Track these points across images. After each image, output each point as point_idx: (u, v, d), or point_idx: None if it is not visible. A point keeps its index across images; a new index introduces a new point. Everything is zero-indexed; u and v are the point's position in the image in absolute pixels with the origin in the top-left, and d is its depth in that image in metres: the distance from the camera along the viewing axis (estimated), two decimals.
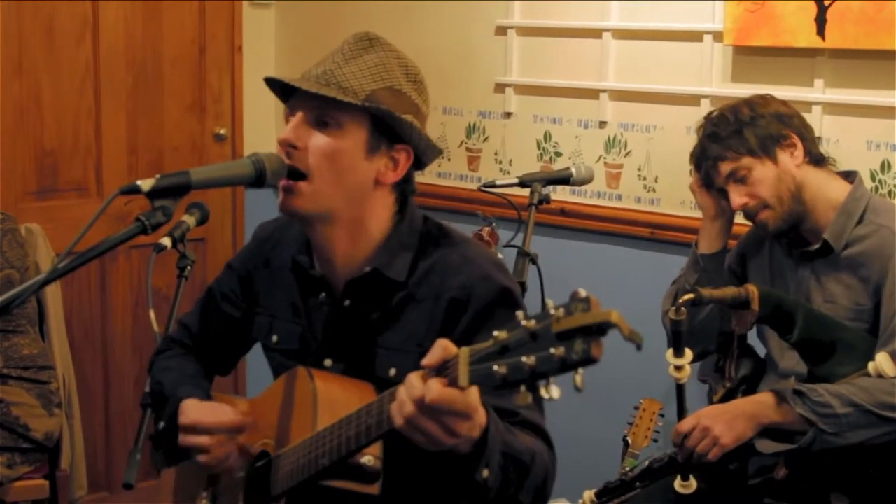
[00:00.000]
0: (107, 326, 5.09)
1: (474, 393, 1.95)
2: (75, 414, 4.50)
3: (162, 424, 2.59)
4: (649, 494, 3.41)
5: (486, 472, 2.09)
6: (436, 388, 1.92)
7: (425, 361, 1.96)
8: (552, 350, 1.70)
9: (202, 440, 2.46)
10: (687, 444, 3.13)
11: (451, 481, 2.13)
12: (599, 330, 1.67)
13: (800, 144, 3.26)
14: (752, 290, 3.10)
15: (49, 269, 2.17)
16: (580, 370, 1.70)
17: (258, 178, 2.34)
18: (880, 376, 3.00)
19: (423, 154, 2.47)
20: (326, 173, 2.37)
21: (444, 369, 1.92)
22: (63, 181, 4.92)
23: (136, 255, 5.08)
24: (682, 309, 3.00)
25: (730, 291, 3.12)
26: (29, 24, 4.75)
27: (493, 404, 2.17)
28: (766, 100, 3.33)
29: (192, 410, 2.50)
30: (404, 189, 2.49)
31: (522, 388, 1.78)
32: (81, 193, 4.96)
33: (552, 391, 1.73)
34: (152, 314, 2.36)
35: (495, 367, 1.78)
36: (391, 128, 2.39)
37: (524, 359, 1.74)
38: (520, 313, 1.79)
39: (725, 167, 3.26)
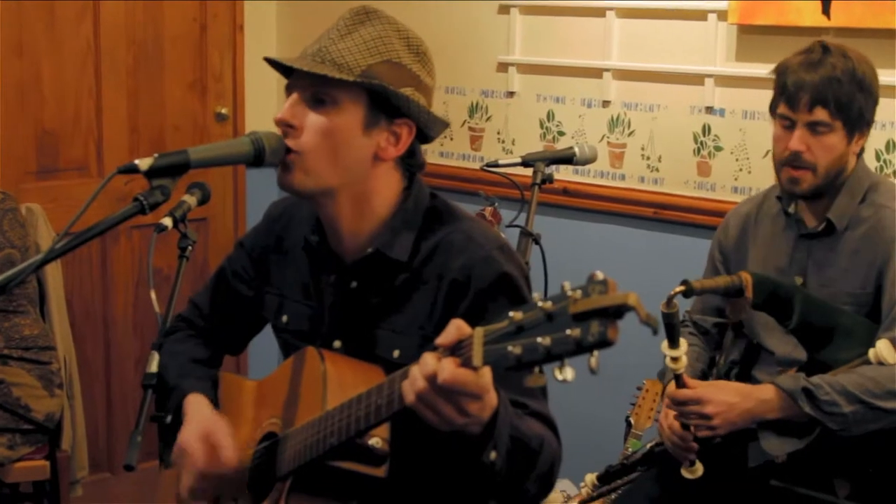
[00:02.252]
0: (108, 307, 5.08)
1: (487, 374, 1.93)
2: (76, 394, 4.50)
3: (169, 418, 2.57)
4: (652, 478, 3.40)
5: (493, 454, 2.08)
6: (449, 368, 1.90)
7: (439, 341, 1.94)
8: (568, 331, 1.69)
9: (190, 471, 2.43)
10: (681, 409, 3.11)
11: (459, 462, 2.12)
12: (616, 312, 1.65)
13: (867, 135, 3.21)
14: (746, 277, 3.07)
15: (47, 249, 2.15)
16: (595, 352, 1.68)
17: (257, 157, 2.32)
18: (881, 363, 2.99)
19: (427, 127, 2.43)
20: (323, 150, 2.35)
21: (457, 349, 1.91)
22: (64, 161, 4.90)
23: (138, 236, 5.07)
24: (674, 302, 2.97)
25: (722, 280, 3.10)
26: (29, 4, 4.73)
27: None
28: (874, 69, 3.19)
29: (194, 430, 2.46)
30: (410, 164, 2.46)
31: (536, 369, 1.77)
32: (82, 173, 4.94)
33: (566, 373, 1.72)
34: (153, 295, 2.33)
35: (510, 348, 1.77)
36: (389, 102, 2.36)
37: (539, 339, 1.72)
38: (536, 294, 1.78)
39: (818, 113, 3.11)
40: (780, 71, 3.20)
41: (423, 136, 2.46)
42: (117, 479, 5.07)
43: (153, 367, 2.31)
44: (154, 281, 2.31)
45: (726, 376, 3.34)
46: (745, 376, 3.32)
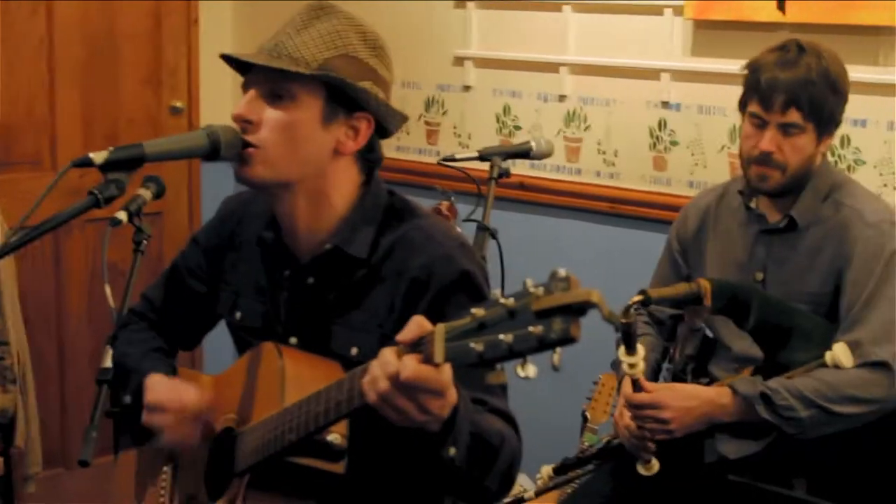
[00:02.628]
0: (62, 301, 5.05)
1: (448, 371, 1.92)
2: (30, 390, 4.46)
3: (128, 399, 2.56)
4: (607, 473, 3.41)
5: (452, 450, 2.07)
6: (411, 365, 1.90)
7: (400, 337, 1.94)
8: (530, 328, 1.68)
9: (166, 419, 2.43)
10: (637, 413, 3.12)
11: (418, 458, 2.11)
12: (579, 309, 1.65)
13: (833, 136, 3.22)
14: (705, 284, 3.07)
15: (0, 244, 2.14)
16: (558, 349, 1.68)
17: (213, 151, 2.32)
18: (837, 367, 2.99)
19: (385, 121, 2.43)
20: (281, 145, 2.34)
21: (418, 346, 1.91)
22: (17, 155, 4.86)
23: (92, 230, 5.03)
24: (631, 312, 2.96)
25: (681, 289, 3.10)
26: None
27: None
28: (845, 69, 3.18)
29: (158, 389, 2.48)
30: (368, 159, 2.45)
31: (498, 366, 1.77)
32: (35, 167, 4.90)
33: (528, 370, 1.72)
34: (108, 289, 2.32)
35: (472, 345, 1.76)
36: (348, 96, 2.35)
37: (502, 336, 1.72)
38: (497, 291, 1.78)
39: (792, 115, 3.09)
40: (754, 68, 3.18)
41: (382, 131, 2.46)
42: (71, 474, 5.03)
43: (107, 362, 2.30)
44: (109, 275, 2.30)
45: (682, 371, 3.34)
46: (702, 371, 3.33)
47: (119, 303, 2.35)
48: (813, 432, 3.04)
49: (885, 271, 3.09)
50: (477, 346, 1.75)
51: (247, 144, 2.34)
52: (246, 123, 2.35)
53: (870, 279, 3.08)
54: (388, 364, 1.93)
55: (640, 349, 2.97)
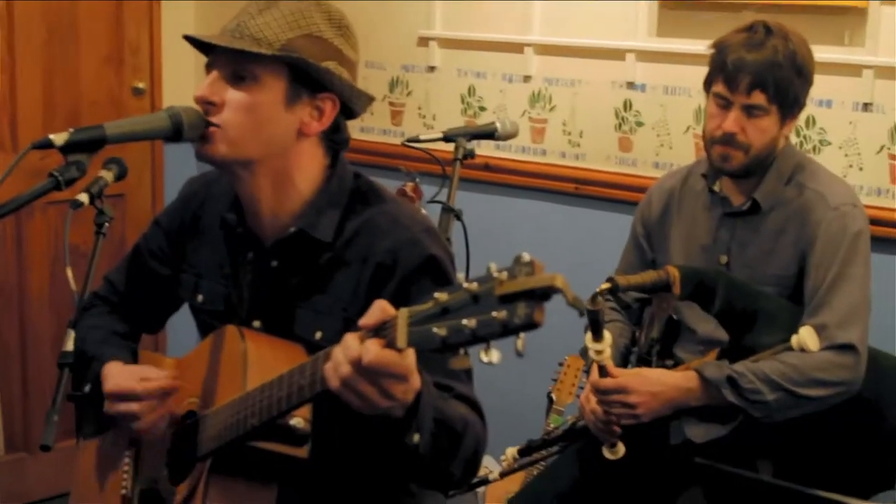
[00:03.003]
0: (23, 284, 5.01)
1: (411, 355, 1.92)
2: None
3: (88, 387, 2.54)
4: (573, 455, 3.40)
5: (416, 437, 2.06)
6: (374, 350, 1.88)
7: (363, 322, 1.92)
8: (494, 313, 1.67)
9: (132, 407, 2.41)
10: (603, 398, 3.11)
11: (381, 446, 2.10)
12: (543, 295, 1.64)
13: (797, 119, 3.22)
14: (673, 272, 3.07)
15: None
16: (522, 335, 1.67)
17: (175, 132, 2.30)
18: (803, 350, 3.00)
19: (351, 101, 2.40)
20: (244, 125, 2.32)
21: (381, 330, 1.89)
22: None
23: (53, 212, 4.99)
24: (599, 299, 2.95)
25: (649, 276, 3.09)
26: None
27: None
28: (811, 51, 3.17)
29: (118, 376, 2.45)
30: (334, 140, 2.43)
31: (461, 351, 1.76)
32: None
33: (492, 355, 1.71)
34: (69, 272, 2.30)
35: (435, 329, 1.75)
36: (311, 76, 2.33)
37: (465, 321, 1.71)
38: (461, 276, 1.77)
39: (756, 97, 3.08)
40: (720, 48, 3.17)
41: (348, 112, 2.43)
42: (34, 458, 5.00)
43: (69, 345, 2.28)
44: (71, 258, 2.29)
45: (647, 353, 3.34)
46: (667, 353, 3.33)
47: (81, 286, 2.33)
48: (779, 415, 3.04)
49: (847, 254, 3.09)
50: (440, 331, 1.74)
51: (209, 125, 2.31)
52: (208, 105, 2.32)
53: (833, 262, 3.08)
54: (350, 349, 1.92)
55: (607, 335, 2.96)
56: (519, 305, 1.65)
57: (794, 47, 3.10)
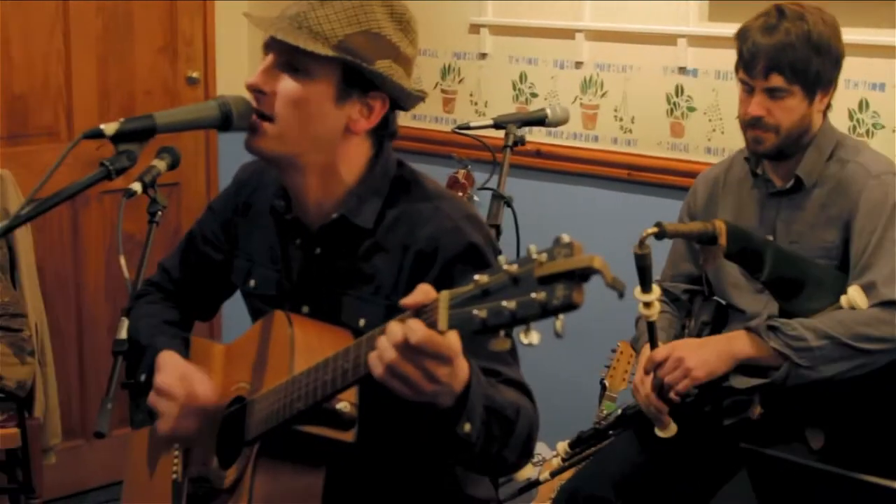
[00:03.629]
0: (79, 273, 5.05)
1: (455, 337, 1.91)
2: (48, 362, 4.48)
3: (143, 376, 2.55)
4: (625, 439, 3.41)
5: (467, 426, 2.06)
6: (419, 329, 1.89)
7: (405, 301, 1.93)
8: (533, 295, 1.68)
9: (170, 408, 2.41)
10: (658, 373, 3.13)
11: (433, 436, 2.10)
12: (582, 275, 1.64)
13: (832, 93, 3.23)
14: (720, 225, 3.07)
15: (12, 215, 2.14)
16: (561, 316, 1.67)
17: (224, 121, 2.31)
18: (853, 309, 3.01)
19: (402, 101, 2.40)
20: (293, 119, 2.32)
21: (422, 313, 1.90)
22: (33, 126, 4.86)
23: (109, 201, 5.03)
24: (646, 244, 2.97)
25: (696, 226, 3.10)
26: None
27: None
28: (835, 28, 3.20)
29: (169, 372, 2.46)
30: (381, 135, 2.43)
31: (502, 332, 1.76)
32: (52, 138, 4.89)
33: (532, 337, 1.71)
34: (122, 260, 2.32)
35: (475, 311, 1.76)
36: (364, 76, 2.33)
37: (504, 303, 1.71)
38: (502, 258, 1.77)
39: (774, 80, 3.14)
40: (740, 35, 3.23)
41: (398, 106, 2.43)
42: (91, 445, 5.05)
43: (123, 333, 2.30)
44: (126, 247, 2.31)
45: (698, 336, 3.34)
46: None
47: (135, 274, 2.35)
48: (825, 368, 3.04)
49: (890, 219, 3.12)
50: (480, 312, 1.75)
51: (259, 114, 2.33)
52: (259, 94, 2.33)
53: (877, 227, 3.11)
54: (394, 333, 1.93)
55: (656, 288, 2.98)
56: (558, 287, 1.66)
57: (810, 26, 3.13)
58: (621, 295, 1.67)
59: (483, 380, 2.12)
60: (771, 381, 3.08)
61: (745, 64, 3.18)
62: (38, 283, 4.53)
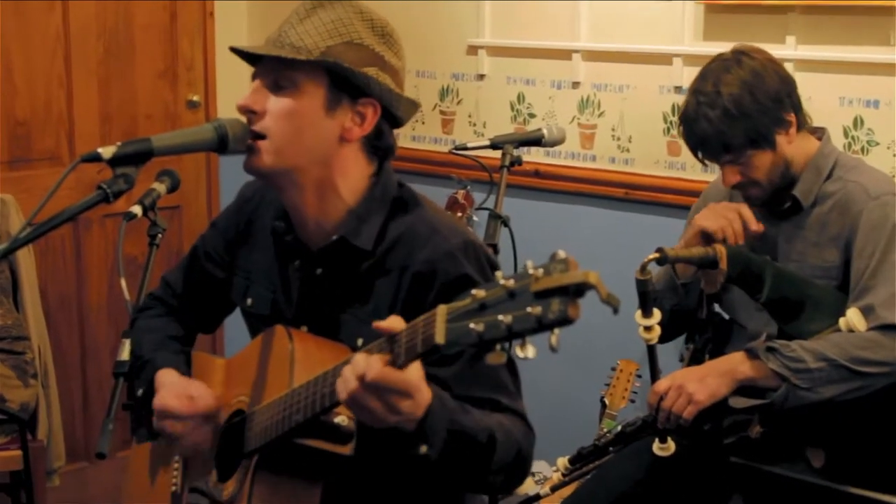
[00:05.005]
0: (82, 295, 5.07)
1: (415, 371, 1.97)
2: (51, 384, 4.50)
3: (140, 392, 2.58)
4: (624, 457, 3.42)
5: (424, 448, 2.09)
6: (376, 367, 1.94)
7: (377, 324, 1.98)
8: (529, 309, 1.70)
9: (176, 427, 2.45)
10: (662, 405, 3.14)
11: (393, 454, 2.14)
12: (577, 291, 1.67)
13: (794, 120, 3.21)
14: (720, 249, 3.09)
15: (11, 238, 2.16)
16: (556, 330, 1.70)
17: (221, 144, 2.34)
18: (851, 331, 3.02)
19: (393, 107, 2.42)
20: (286, 132, 2.35)
21: (392, 344, 1.95)
22: (35, 151, 4.89)
23: (110, 224, 5.05)
24: (648, 269, 2.99)
25: (697, 251, 3.11)
26: None
27: (472, 395, 2.22)
28: (763, 75, 3.18)
29: (167, 393, 2.48)
30: (377, 146, 2.45)
31: (498, 346, 1.79)
32: (54, 163, 4.91)
33: (528, 351, 1.73)
34: (123, 283, 2.34)
35: (472, 325, 1.78)
36: (351, 82, 2.36)
37: (501, 317, 1.74)
38: (499, 273, 1.80)
39: (724, 158, 3.18)
40: (679, 125, 3.30)
41: (394, 120, 2.45)
42: (95, 468, 5.06)
43: (124, 355, 2.33)
44: (128, 269, 2.33)
45: (701, 352, 3.36)
46: (719, 353, 3.34)
47: (135, 296, 2.37)
48: (824, 390, 3.04)
49: (890, 241, 3.11)
50: (477, 326, 1.77)
51: (254, 134, 2.36)
52: (250, 114, 2.37)
53: (876, 249, 3.11)
54: (357, 365, 1.98)
55: (657, 312, 3.00)
56: (553, 301, 1.68)
57: (724, 102, 3.13)
58: (616, 311, 1.70)
59: (452, 405, 2.15)
60: (770, 402, 3.09)
61: (696, 155, 3.26)
62: (40, 305, 4.55)
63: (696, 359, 3.35)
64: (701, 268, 3.15)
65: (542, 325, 1.70)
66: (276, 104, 2.36)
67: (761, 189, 3.21)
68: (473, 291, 1.80)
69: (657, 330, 3.04)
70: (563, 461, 3.55)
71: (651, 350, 3.13)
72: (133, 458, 2.78)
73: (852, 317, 3.01)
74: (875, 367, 3.03)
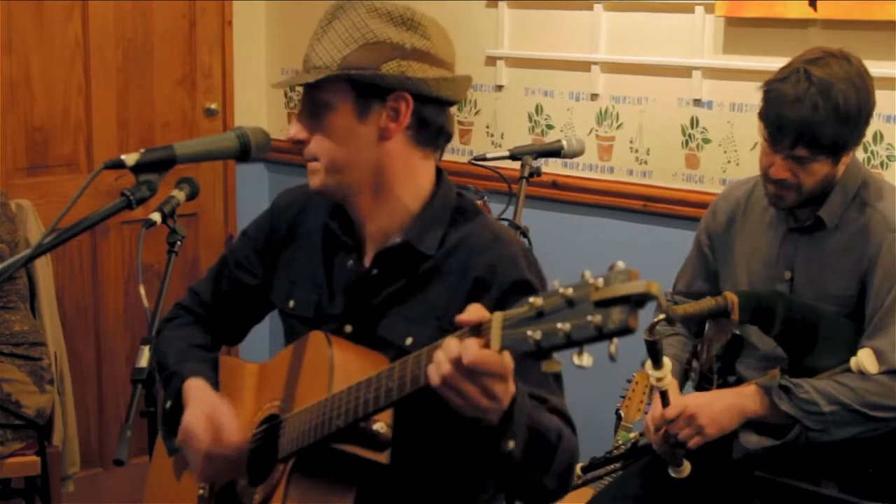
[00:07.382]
0: (99, 302, 5.08)
1: (508, 357, 1.95)
2: (67, 390, 4.51)
3: (169, 403, 2.58)
4: (636, 473, 3.41)
5: (511, 444, 2.08)
6: (473, 349, 1.92)
7: (461, 318, 1.96)
8: (589, 317, 1.71)
9: (196, 454, 2.44)
10: (670, 430, 3.13)
11: (475, 453, 2.13)
12: (638, 301, 1.68)
13: (856, 149, 3.16)
14: (731, 298, 3.06)
15: (35, 245, 2.17)
16: (615, 340, 1.71)
17: (243, 152, 2.36)
18: (861, 372, 3.00)
19: (426, 91, 2.38)
20: (330, 150, 2.39)
21: (477, 332, 1.93)
22: (53, 157, 4.91)
23: (128, 231, 5.07)
24: (656, 329, 2.96)
25: (706, 304, 3.08)
26: (18, 2, 4.73)
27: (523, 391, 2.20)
28: (865, 83, 3.06)
29: (196, 410, 2.46)
30: (424, 136, 2.43)
31: (554, 354, 1.79)
32: (72, 169, 4.95)
33: (584, 359, 1.74)
34: (142, 290, 2.35)
35: (529, 332, 1.79)
36: (373, 84, 2.36)
37: (559, 325, 1.74)
38: (556, 282, 1.80)
39: (800, 150, 3.04)
40: (765, 96, 3.10)
41: (441, 102, 2.42)
42: (109, 474, 5.07)
43: (143, 362, 2.32)
44: (146, 276, 2.34)
45: (709, 370, 3.34)
46: (729, 370, 3.33)
47: (154, 303, 2.37)
48: (836, 431, 3.04)
49: None
50: (534, 334, 1.78)
51: (308, 158, 2.40)
52: (300, 144, 2.42)
53: (893, 286, 3.07)
54: (450, 349, 1.96)
55: (667, 362, 3.00)
56: (614, 310, 1.69)
57: (839, 99, 3.00)
58: (670, 321, 1.70)
59: (528, 401, 2.15)
60: (782, 443, 3.09)
61: (770, 133, 3.07)
62: (57, 311, 4.56)
63: (703, 378, 3.33)
64: (711, 319, 3.13)
65: (603, 334, 1.70)
66: (314, 127, 2.40)
67: (798, 196, 3.12)
68: (531, 299, 1.81)
69: (669, 378, 3.04)
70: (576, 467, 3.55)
71: (663, 395, 3.11)
72: (157, 455, 2.78)
73: (864, 358, 2.99)
74: (888, 412, 3.03)
